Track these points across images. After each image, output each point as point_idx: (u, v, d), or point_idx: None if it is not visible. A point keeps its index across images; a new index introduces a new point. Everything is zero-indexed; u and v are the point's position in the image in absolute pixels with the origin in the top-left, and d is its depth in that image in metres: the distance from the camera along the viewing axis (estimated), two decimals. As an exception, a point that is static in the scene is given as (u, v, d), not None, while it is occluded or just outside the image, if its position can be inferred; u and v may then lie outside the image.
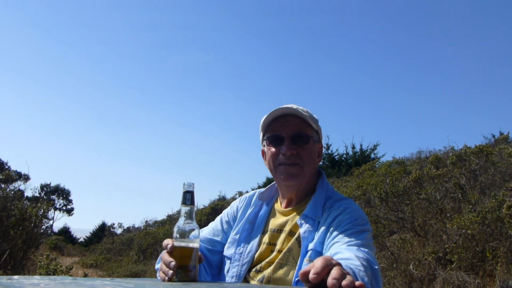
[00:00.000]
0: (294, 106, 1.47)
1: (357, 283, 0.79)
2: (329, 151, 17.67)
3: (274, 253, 1.42)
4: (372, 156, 16.93)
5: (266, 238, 1.48)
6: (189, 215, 1.19)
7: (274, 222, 1.51)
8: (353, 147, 17.59)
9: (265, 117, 1.49)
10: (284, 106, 1.47)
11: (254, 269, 1.43)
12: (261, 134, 1.55)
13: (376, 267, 1.15)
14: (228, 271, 1.48)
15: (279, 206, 1.56)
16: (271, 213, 1.56)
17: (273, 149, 1.48)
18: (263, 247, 1.46)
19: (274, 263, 1.38)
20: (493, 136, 12.65)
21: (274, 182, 1.59)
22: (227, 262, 1.50)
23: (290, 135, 1.45)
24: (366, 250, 1.19)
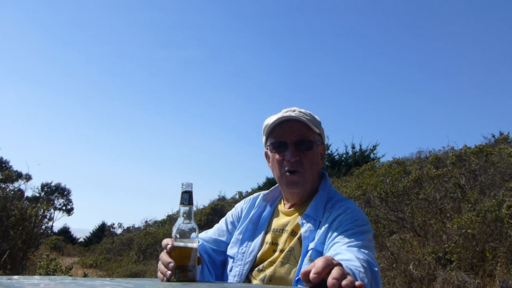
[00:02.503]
0: (297, 110, 1.48)
1: (357, 283, 0.79)
2: (329, 151, 17.68)
3: (277, 253, 1.43)
4: (372, 156, 16.95)
5: (268, 238, 1.49)
6: (187, 215, 1.19)
7: (277, 222, 1.52)
8: (353, 147, 17.62)
9: (268, 121, 1.50)
10: (287, 110, 1.48)
11: (256, 269, 1.44)
12: (264, 138, 1.56)
13: (376, 269, 1.15)
14: (231, 270, 1.50)
15: (282, 206, 1.57)
16: (274, 214, 1.58)
17: (277, 156, 1.48)
18: (265, 246, 1.48)
19: (276, 263, 1.39)
20: (493, 136, 12.66)
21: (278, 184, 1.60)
22: (230, 261, 1.52)
23: (293, 141, 1.45)
24: (367, 251, 1.20)
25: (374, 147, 17.27)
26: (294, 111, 1.48)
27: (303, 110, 1.49)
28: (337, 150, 18.26)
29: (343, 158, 17.75)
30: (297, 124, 1.45)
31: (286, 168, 1.46)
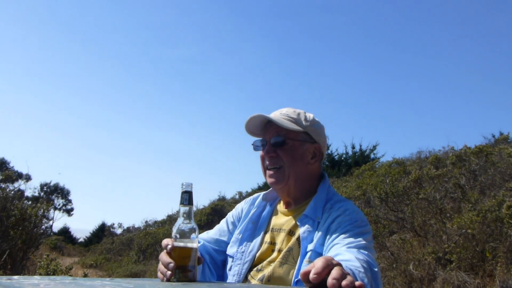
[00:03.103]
0: (284, 110, 1.52)
1: (357, 283, 0.80)
2: (329, 151, 17.68)
3: (275, 253, 1.43)
4: (372, 156, 16.95)
5: (267, 238, 1.50)
6: (187, 215, 1.19)
7: (275, 222, 1.53)
8: (353, 147, 17.62)
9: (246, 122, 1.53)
10: (280, 111, 1.53)
11: (255, 268, 1.45)
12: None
13: (376, 269, 1.15)
14: (230, 270, 1.51)
15: (281, 206, 1.58)
16: (273, 213, 1.59)
17: (261, 153, 1.54)
18: (264, 246, 1.48)
19: (275, 263, 1.40)
20: (493, 136, 12.65)
21: None
22: (229, 260, 1.53)
23: (270, 139, 1.50)
24: (366, 252, 1.20)
25: (374, 147, 17.28)
26: (281, 111, 1.52)
27: (291, 110, 1.53)
28: (337, 150, 18.32)
29: (343, 158, 17.75)
30: (274, 124, 1.49)
31: (266, 165, 1.51)
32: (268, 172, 1.50)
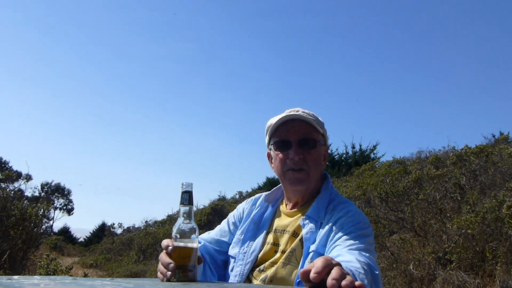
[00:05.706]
0: (300, 110, 1.49)
1: (356, 283, 0.79)
2: (329, 151, 17.64)
3: (278, 254, 1.43)
4: (372, 156, 16.96)
5: (270, 238, 1.49)
6: (188, 215, 1.19)
7: (278, 223, 1.53)
8: (353, 147, 17.63)
9: (271, 121, 1.50)
10: (291, 110, 1.49)
11: (257, 269, 1.45)
12: (267, 138, 1.56)
13: (377, 272, 1.15)
14: (232, 270, 1.50)
15: (284, 207, 1.58)
16: (276, 214, 1.58)
17: (280, 155, 1.49)
18: (267, 247, 1.48)
19: (278, 263, 1.40)
20: (493, 136, 12.65)
21: (280, 184, 1.60)
22: (232, 261, 1.53)
23: (297, 140, 1.46)
24: (368, 254, 1.20)
25: (374, 147, 17.29)
26: (297, 111, 1.48)
27: (306, 111, 1.50)
28: (337, 150, 18.27)
29: (343, 158, 17.76)
30: (301, 123, 1.46)
31: (290, 166, 1.46)
32: (292, 173, 1.46)
